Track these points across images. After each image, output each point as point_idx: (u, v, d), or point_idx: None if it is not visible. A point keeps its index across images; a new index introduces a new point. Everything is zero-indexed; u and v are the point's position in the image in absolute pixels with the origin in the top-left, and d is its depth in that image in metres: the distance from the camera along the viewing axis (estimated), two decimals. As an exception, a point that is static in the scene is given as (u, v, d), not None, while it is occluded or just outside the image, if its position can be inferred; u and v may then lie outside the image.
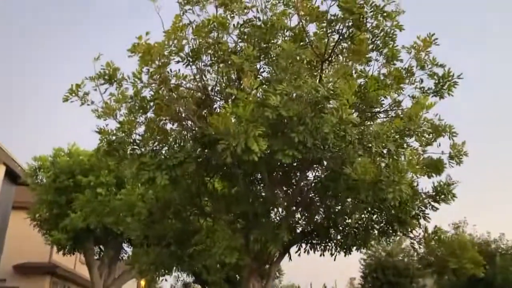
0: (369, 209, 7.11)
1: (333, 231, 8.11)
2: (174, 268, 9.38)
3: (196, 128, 7.01)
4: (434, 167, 7.11)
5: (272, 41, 7.09)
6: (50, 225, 13.83)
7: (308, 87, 5.67)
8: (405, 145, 6.90)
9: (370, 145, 6.15)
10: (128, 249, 16.27)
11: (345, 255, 8.45)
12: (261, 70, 7.29)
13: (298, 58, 6.40)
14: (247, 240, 7.13)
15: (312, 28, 7.26)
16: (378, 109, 7.31)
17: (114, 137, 7.02)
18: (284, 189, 7.91)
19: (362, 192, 5.77)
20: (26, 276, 19.58)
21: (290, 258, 9.56)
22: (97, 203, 12.16)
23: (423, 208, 7.33)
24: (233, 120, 5.63)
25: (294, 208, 7.78)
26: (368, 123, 7.24)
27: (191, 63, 7.12)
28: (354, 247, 8.30)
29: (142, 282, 51.29)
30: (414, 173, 6.00)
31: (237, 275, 22.78)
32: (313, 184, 7.64)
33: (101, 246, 16.10)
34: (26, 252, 19.46)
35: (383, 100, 7.23)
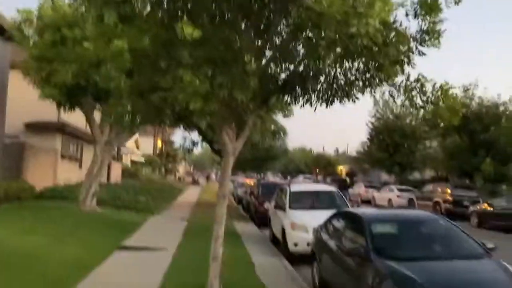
0: (342, 53, 6.30)
1: (311, 82, 7.62)
2: (158, 120, 9.37)
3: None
4: (424, 3, 6.09)
5: None
6: (43, 81, 13.73)
7: None
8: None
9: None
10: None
11: (326, 106, 8.12)
12: None
13: None
14: (213, 87, 6.73)
15: None
16: None
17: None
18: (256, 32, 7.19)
19: (325, 27, 5.09)
20: (37, 134, 20.48)
21: (267, 110, 9.40)
22: (79, 56, 11.71)
23: (408, 53, 6.58)
24: None
25: (268, 53, 7.20)
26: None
27: None
28: (337, 99, 7.93)
29: (159, 142, 54.15)
30: (385, 4, 5.15)
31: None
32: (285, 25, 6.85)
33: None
34: (37, 111, 20.02)
35: None
